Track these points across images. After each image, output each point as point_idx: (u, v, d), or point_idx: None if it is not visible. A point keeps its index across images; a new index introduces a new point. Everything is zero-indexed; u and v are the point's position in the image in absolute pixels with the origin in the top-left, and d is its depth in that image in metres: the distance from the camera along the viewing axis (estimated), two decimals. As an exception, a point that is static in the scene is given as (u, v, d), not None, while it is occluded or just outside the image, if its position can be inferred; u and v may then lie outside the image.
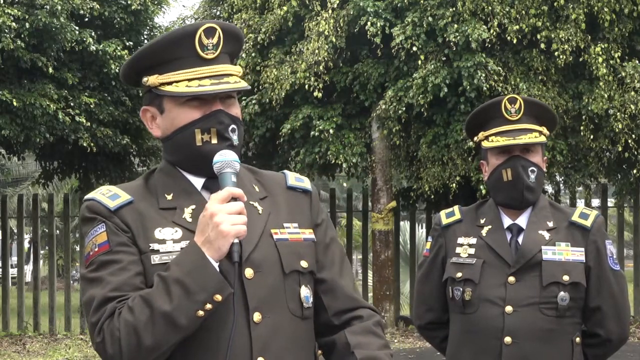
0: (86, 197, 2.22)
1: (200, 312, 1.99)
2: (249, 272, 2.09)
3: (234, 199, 2.03)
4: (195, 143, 2.14)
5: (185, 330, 2.01)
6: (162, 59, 2.15)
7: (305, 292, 2.18)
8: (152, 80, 2.16)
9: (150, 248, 2.10)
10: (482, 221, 3.36)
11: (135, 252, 2.10)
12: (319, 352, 2.27)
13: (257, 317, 2.08)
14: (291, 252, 2.18)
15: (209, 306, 2.00)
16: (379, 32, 11.88)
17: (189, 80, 2.12)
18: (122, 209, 2.14)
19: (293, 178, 2.32)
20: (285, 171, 2.35)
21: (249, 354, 2.06)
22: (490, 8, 11.61)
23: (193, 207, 2.14)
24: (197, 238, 2.03)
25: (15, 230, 17.28)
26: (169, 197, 2.17)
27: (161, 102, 2.18)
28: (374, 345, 2.20)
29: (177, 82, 2.13)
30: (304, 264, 2.19)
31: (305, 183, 2.33)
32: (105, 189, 2.21)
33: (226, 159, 2.09)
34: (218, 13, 14.46)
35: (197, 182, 2.19)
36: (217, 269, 2.01)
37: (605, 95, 11.55)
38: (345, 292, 2.27)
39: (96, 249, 2.12)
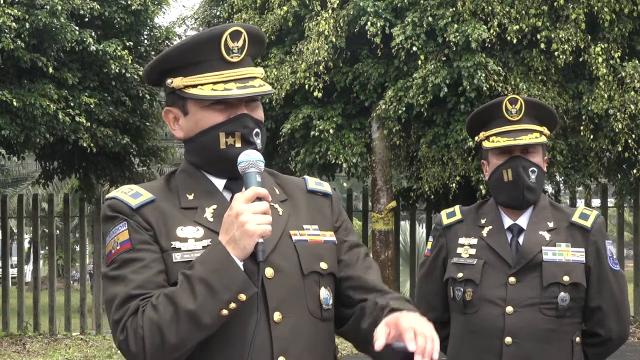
0: (108, 195, 2.22)
1: (225, 311, 2.00)
2: (269, 272, 2.11)
3: (259, 198, 2.05)
4: (219, 146, 2.16)
5: (208, 329, 2.02)
6: (187, 62, 2.16)
7: (324, 293, 2.19)
8: (176, 82, 2.17)
9: (172, 246, 2.11)
10: (482, 221, 3.37)
11: (157, 250, 2.11)
12: (339, 355, 2.27)
13: (277, 316, 2.09)
14: (310, 253, 2.19)
15: (233, 305, 2.01)
16: (379, 32, 11.87)
17: (215, 83, 2.14)
18: (144, 207, 2.15)
19: (313, 182, 2.35)
20: (306, 176, 2.37)
21: (269, 353, 2.07)
22: (490, 8, 11.61)
23: (214, 206, 2.16)
24: (222, 237, 2.04)
25: (15, 230, 17.28)
26: (190, 197, 2.18)
27: (185, 103, 2.19)
28: (406, 306, 2.15)
29: (202, 85, 2.14)
30: (323, 265, 2.20)
31: (325, 187, 2.36)
32: (127, 187, 2.22)
33: (251, 159, 2.10)
34: (218, 13, 14.48)
35: (219, 183, 2.21)
36: (242, 268, 2.02)
37: (605, 95, 11.55)
38: (374, 284, 2.27)
39: (118, 247, 2.12)
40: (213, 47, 2.14)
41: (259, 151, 2.16)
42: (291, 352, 2.09)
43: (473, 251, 3.32)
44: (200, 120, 2.17)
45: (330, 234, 2.26)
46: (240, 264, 2.02)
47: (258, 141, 2.17)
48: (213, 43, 2.14)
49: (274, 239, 2.13)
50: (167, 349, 2.01)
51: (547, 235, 3.28)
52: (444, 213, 3.50)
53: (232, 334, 2.07)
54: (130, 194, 2.18)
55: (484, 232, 3.34)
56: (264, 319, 2.08)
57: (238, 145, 2.15)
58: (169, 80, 2.18)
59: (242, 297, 2.01)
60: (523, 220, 3.33)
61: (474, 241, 3.34)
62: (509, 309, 3.21)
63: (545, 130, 3.37)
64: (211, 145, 2.16)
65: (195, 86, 2.15)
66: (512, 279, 3.24)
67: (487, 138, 3.36)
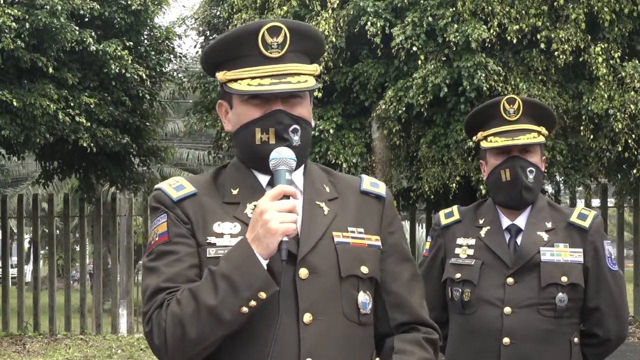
0: (155, 186, 2.25)
1: (244, 309, 1.99)
2: (303, 273, 2.08)
3: (287, 197, 2.03)
4: (255, 142, 2.16)
5: (229, 326, 2.01)
6: (229, 56, 2.18)
7: (363, 297, 2.16)
8: (220, 76, 2.19)
9: (207, 241, 2.12)
10: (481, 222, 3.37)
11: (193, 244, 2.12)
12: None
13: (307, 318, 2.07)
14: (351, 256, 2.15)
15: (253, 303, 1.99)
16: (379, 32, 11.88)
17: (252, 78, 2.14)
18: (185, 200, 2.17)
19: (368, 182, 2.30)
20: (363, 175, 2.34)
21: (296, 354, 2.05)
22: (490, 8, 11.61)
23: (255, 203, 2.14)
24: (248, 234, 2.03)
25: (15, 230, 17.28)
26: (235, 191, 2.19)
27: (230, 97, 2.22)
28: (415, 355, 2.18)
29: (241, 79, 2.15)
30: (364, 269, 2.16)
31: (380, 189, 2.30)
32: (174, 179, 2.24)
33: (281, 156, 2.09)
34: (218, 13, 14.47)
35: (263, 179, 2.20)
36: (264, 267, 2.00)
37: (605, 95, 11.55)
38: (412, 308, 2.25)
39: (157, 239, 2.15)
40: (251, 42, 2.14)
41: (296, 148, 2.14)
42: (319, 354, 2.06)
43: (471, 252, 3.32)
44: (240, 114, 2.18)
45: (376, 238, 2.22)
46: (264, 262, 2.01)
47: (295, 138, 2.15)
48: (251, 38, 2.14)
49: (314, 239, 2.11)
50: (187, 343, 2.01)
51: (545, 236, 3.27)
52: (442, 213, 3.49)
53: (257, 333, 2.05)
54: (174, 187, 2.20)
55: (482, 232, 3.33)
56: (293, 320, 2.06)
57: (272, 141, 2.14)
58: (217, 74, 2.21)
59: (262, 295, 1.99)
60: (521, 221, 3.33)
61: (472, 241, 3.34)
62: (507, 309, 3.21)
63: (543, 130, 3.36)
64: (249, 141, 2.17)
65: (235, 80, 2.16)
66: (510, 280, 3.23)
67: (485, 138, 3.36)
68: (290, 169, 2.08)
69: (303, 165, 2.24)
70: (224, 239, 2.11)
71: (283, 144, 2.13)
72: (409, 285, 2.26)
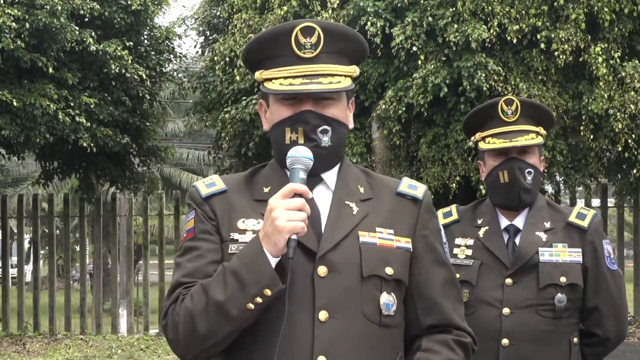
0: (192, 184, 2.29)
1: (251, 305, 2.00)
2: (322, 270, 2.08)
3: (299, 195, 2.03)
4: (285, 141, 2.17)
5: (237, 322, 2.02)
6: (264, 55, 2.19)
7: (386, 299, 2.13)
8: (257, 75, 2.21)
9: (230, 237, 2.15)
10: (479, 222, 3.36)
11: (216, 240, 2.16)
12: None
13: (323, 315, 2.06)
14: (376, 256, 2.13)
15: (259, 300, 2.00)
16: (379, 32, 11.87)
17: (284, 78, 2.15)
18: (213, 197, 2.20)
19: (406, 185, 2.29)
20: (404, 178, 2.33)
21: (309, 351, 2.04)
22: (490, 8, 11.60)
23: None
24: (260, 232, 2.05)
25: (15, 230, 17.28)
26: (267, 190, 2.20)
27: (267, 96, 2.23)
28: (441, 355, 2.16)
29: (275, 79, 2.16)
30: (389, 270, 2.14)
31: (418, 191, 2.29)
32: (209, 177, 2.27)
33: (297, 155, 2.10)
34: (218, 13, 14.47)
35: None
36: (272, 264, 2.01)
37: (605, 95, 11.54)
38: (444, 311, 2.21)
39: (184, 235, 2.21)
40: (284, 42, 2.15)
41: (326, 149, 2.15)
42: (333, 353, 2.05)
43: (469, 252, 3.31)
44: (273, 113, 2.21)
45: (406, 240, 2.20)
46: (273, 260, 2.01)
47: (325, 138, 2.15)
48: (284, 38, 2.15)
49: (337, 237, 2.12)
50: (197, 338, 2.04)
51: (543, 236, 3.27)
52: (440, 213, 3.48)
53: (271, 329, 2.05)
54: (207, 184, 2.24)
55: (481, 232, 3.33)
56: (309, 317, 2.06)
57: (301, 141, 2.15)
58: (255, 73, 2.22)
59: (268, 292, 2.00)
60: (519, 221, 3.33)
61: (471, 242, 3.34)
62: (506, 310, 3.20)
63: (541, 130, 3.36)
64: (279, 140, 2.19)
65: (270, 80, 2.17)
66: (508, 280, 3.23)
67: (483, 139, 3.35)
68: (306, 168, 2.09)
69: (338, 165, 2.24)
70: (246, 235, 2.13)
71: (311, 143, 2.13)
72: (442, 289, 2.22)
